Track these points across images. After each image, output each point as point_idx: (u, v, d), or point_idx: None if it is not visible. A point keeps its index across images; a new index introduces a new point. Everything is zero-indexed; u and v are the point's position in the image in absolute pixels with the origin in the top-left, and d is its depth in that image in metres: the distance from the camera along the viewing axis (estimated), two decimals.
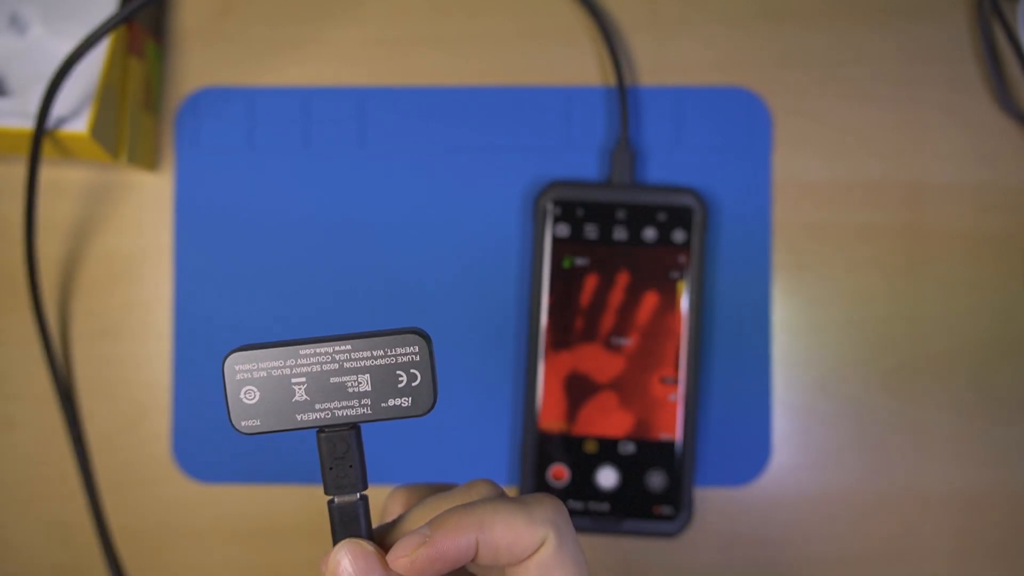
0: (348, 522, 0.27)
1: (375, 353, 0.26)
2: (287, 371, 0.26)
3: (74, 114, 0.41)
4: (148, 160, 0.46)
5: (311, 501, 0.45)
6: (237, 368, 0.26)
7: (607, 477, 0.44)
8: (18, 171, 0.46)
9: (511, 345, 0.45)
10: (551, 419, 0.44)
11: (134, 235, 0.46)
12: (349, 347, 0.26)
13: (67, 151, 0.43)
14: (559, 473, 0.44)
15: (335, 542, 0.26)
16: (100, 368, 0.46)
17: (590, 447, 0.44)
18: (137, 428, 0.46)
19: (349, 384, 0.26)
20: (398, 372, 0.26)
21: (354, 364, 0.26)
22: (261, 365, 0.26)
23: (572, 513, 0.44)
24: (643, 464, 0.44)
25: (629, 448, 0.44)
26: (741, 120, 0.45)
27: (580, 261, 0.44)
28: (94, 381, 0.46)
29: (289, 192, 0.46)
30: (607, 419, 0.44)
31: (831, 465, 0.45)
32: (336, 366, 0.26)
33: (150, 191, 0.46)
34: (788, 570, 0.44)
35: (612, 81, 0.46)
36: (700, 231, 0.44)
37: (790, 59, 0.46)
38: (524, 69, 0.46)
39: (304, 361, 0.26)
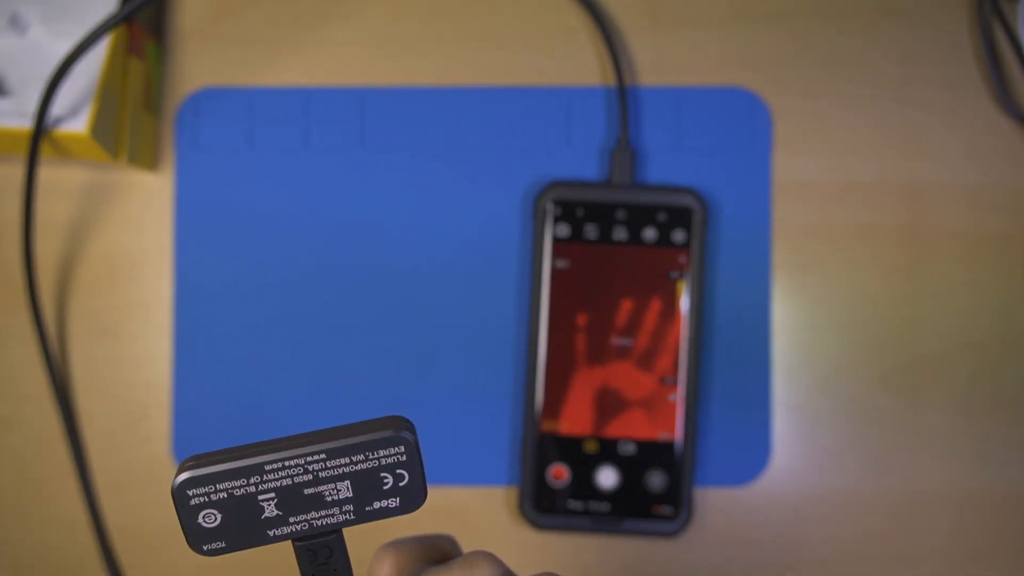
0: None
1: (355, 458, 0.23)
2: (251, 489, 0.22)
3: (74, 114, 0.41)
4: (148, 160, 0.46)
5: None
6: (190, 493, 0.22)
7: (607, 477, 0.44)
8: (19, 171, 0.46)
9: (511, 345, 0.45)
10: (551, 419, 0.44)
11: (134, 235, 0.46)
12: (323, 455, 0.22)
13: (67, 151, 0.43)
14: (559, 473, 0.44)
15: None
16: (100, 368, 0.46)
17: (590, 447, 0.44)
18: (137, 428, 0.46)
19: (327, 493, 0.23)
20: (383, 475, 0.23)
21: (330, 472, 0.23)
22: (219, 487, 0.22)
23: (572, 513, 0.44)
24: (643, 464, 0.44)
25: (629, 448, 0.44)
26: (741, 120, 0.45)
27: (580, 261, 0.44)
28: (94, 381, 0.46)
29: (289, 192, 0.46)
30: (607, 419, 0.44)
31: (831, 465, 0.45)
32: (309, 477, 0.23)
33: (150, 191, 0.46)
34: (788, 570, 0.44)
35: (612, 81, 0.46)
36: (700, 231, 0.44)
37: (790, 59, 0.46)
38: (524, 69, 0.46)
39: (271, 476, 0.22)
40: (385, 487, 0.23)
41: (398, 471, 0.23)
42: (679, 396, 0.44)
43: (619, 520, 0.44)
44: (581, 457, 0.44)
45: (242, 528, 0.23)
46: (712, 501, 0.45)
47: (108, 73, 0.41)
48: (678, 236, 0.44)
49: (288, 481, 0.23)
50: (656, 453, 0.44)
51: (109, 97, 0.42)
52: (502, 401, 0.45)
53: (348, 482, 0.23)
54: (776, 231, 0.45)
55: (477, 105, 0.46)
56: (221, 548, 0.23)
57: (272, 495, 0.23)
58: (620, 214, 0.44)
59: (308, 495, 0.23)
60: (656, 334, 0.44)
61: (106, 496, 0.45)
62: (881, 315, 0.45)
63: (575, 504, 0.44)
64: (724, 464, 0.45)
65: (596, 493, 0.44)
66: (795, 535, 0.45)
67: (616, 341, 0.44)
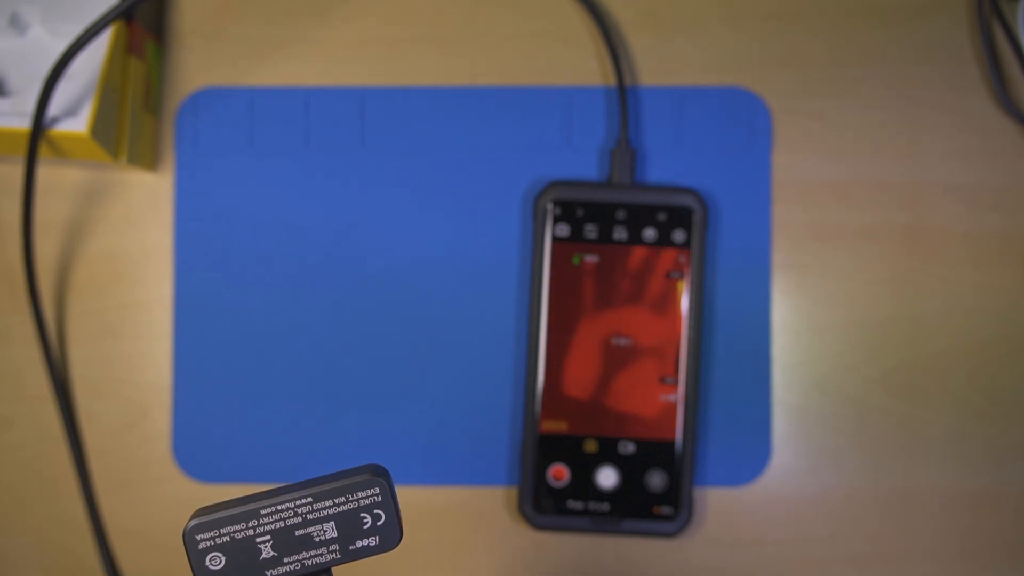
0: None
1: (336, 501, 0.26)
2: (250, 532, 0.26)
3: (74, 114, 0.41)
4: (148, 160, 0.46)
5: None
6: (198, 538, 0.26)
7: (607, 477, 0.44)
8: (20, 171, 0.46)
9: (511, 345, 0.45)
10: (551, 419, 0.44)
11: (134, 235, 0.46)
12: (310, 499, 0.26)
13: (67, 151, 0.43)
14: (559, 473, 0.44)
15: None
16: (100, 368, 0.46)
17: (590, 447, 0.44)
18: (137, 428, 0.46)
19: (315, 534, 0.26)
20: (362, 515, 0.26)
21: (317, 515, 0.26)
22: (223, 531, 0.26)
23: (572, 513, 0.44)
24: (643, 464, 0.44)
25: (629, 448, 0.44)
26: (741, 120, 0.45)
27: (580, 261, 0.44)
28: (94, 381, 0.46)
29: (289, 192, 0.46)
30: (607, 419, 0.44)
31: (831, 465, 0.45)
32: (299, 519, 0.26)
33: (150, 191, 0.46)
34: (788, 570, 0.44)
35: (612, 81, 0.46)
36: (700, 231, 0.44)
37: (790, 59, 0.46)
38: (524, 69, 0.46)
39: (266, 520, 0.26)
40: (365, 526, 0.26)
41: (375, 511, 0.26)
42: (679, 396, 0.44)
43: (619, 520, 0.44)
44: (581, 457, 0.44)
45: (243, 570, 0.26)
46: (712, 501, 0.45)
47: (108, 73, 0.41)
48: (678, 236, 0.44)
49: (281, 524, 0.26)
50: (656, 453, 0.44)
51: (109, 97, 0.42)
52: (502, 401, 0.45)
53: (333, 523, 0.26)
54: (776, 231, 0.45)
55: (477, 105, 0.46)
56: None
57: (268, 537, 0.26)
58: (620, 214, 0.44)
59: (299, 536, 0.26)
60: (656, 334, 0.44)
61: (106, 496, 0.45)
62: (881, 315, 0.45)
63: (575, 504, 0.44)
64: (724, 464, 0.45)
65: (596, 493, 0.44)
66: (795, 535, 0.45)
67: (616, 341, 0.44)
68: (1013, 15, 0.44)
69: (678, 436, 0.44)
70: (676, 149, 0.45)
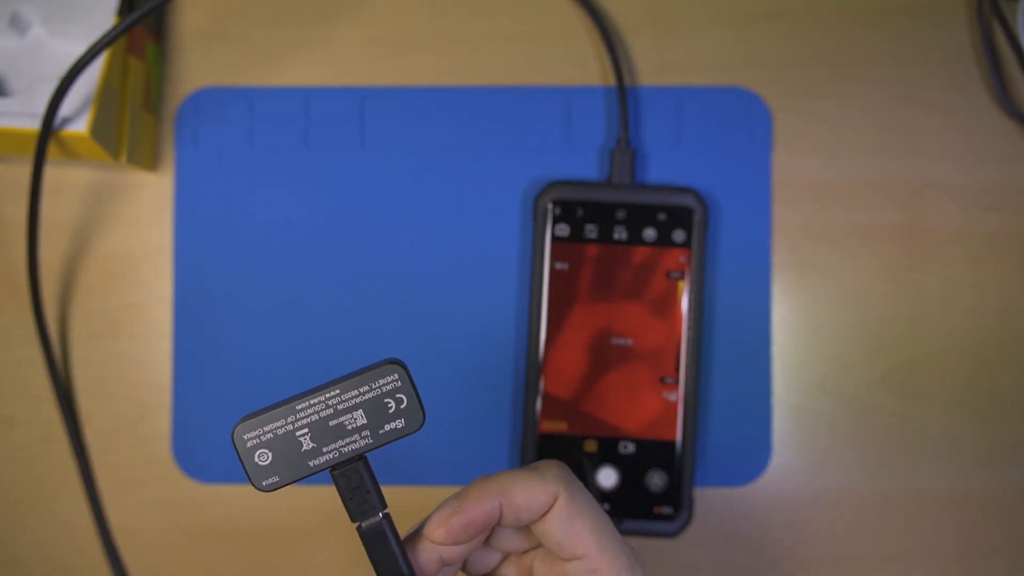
0: (379, 540, 0.30)
1: (362, 390, 0.29)
2: (290, 427, 0.29)
3: (74, 114, 0.41)
4: (148, 160, 0.46)
5: (310, 501, 0.45)
6: (246, 437, 0.29)
7: (607, 477, 0.44)
8: (17, 171, 0.46)
9: (511, 345, 0.45)
10: (551, 419, 0.44)
11: (134, 235, 0.46)
12: (338, 391, 0.29)
13: (67, 151, 0.43)
14: None
15: (373, 562, 0.29)
16: (100, 368, 0.46)
17: (590, 447, 0.44)
18: (137, 428, 0.46)
19: (347, 422, 0.29)
20: (386, 400, 0.29)
21: (346, 404, 0.29)
22: (266, 429, 0.29)
23: None
24: (643, 464, 0.44)
25: (629, 448, 0.44)
26: (741, 120, 0.45)
27: (580, 261, 0.44)
28: (94, 381, 0.46)
29: (289, 192, 0.46)
30: (607, 419, 0.44)
31: (831, 465, 0.45)
32: (331, 411, 0.29)
33: (150, 191, 0.46)
34: (788, 570, 0.44)
35: (612, 81, 0.46)
36: (700, 231, 0.44)
37: (790, 59, 0.46)
38: (524, 69, 0.46)
39: (302, 414, 0.29)
40: (390, 411, 0.29)
41: (397, 395, 0.29)
42: (679, 396, 0.44)
43: (619, 520, 0.44)
44: (581, 457, 0.44)
45: (288, 462, 0.29)
46: (712, 501, 0.45)
47: (108, 73, 0.41)
48: (678, 236, 0.44)
49: (315, 416, 0.29)
50: (656, 453, 0.44)
51: (109, 97, 0.42)
52: (502, 401, 0.45)
53: (361, 411, 0.29)
54: (776, 231, 0.45)
55: (477, 105, 0.46)
56: (276, 482, 0.29)
57: (306, 430, 0.29)
58: (620, 214, 0.44)
59: (333, 426, 0.29)
60: (656, 334, 0.44)
61: (106, 495, 0.45)
62: (881, 315, 0.45)
63: None
64: (724, 464, 0.45)
65: (596, 493, 0.44)
66: (795, 535, 0.45)
67: (616, 341, 0.44)
68: (1013, 15, 0.44)
69: (678, 436, 0.44)
70: (676, 149, 0.45)
